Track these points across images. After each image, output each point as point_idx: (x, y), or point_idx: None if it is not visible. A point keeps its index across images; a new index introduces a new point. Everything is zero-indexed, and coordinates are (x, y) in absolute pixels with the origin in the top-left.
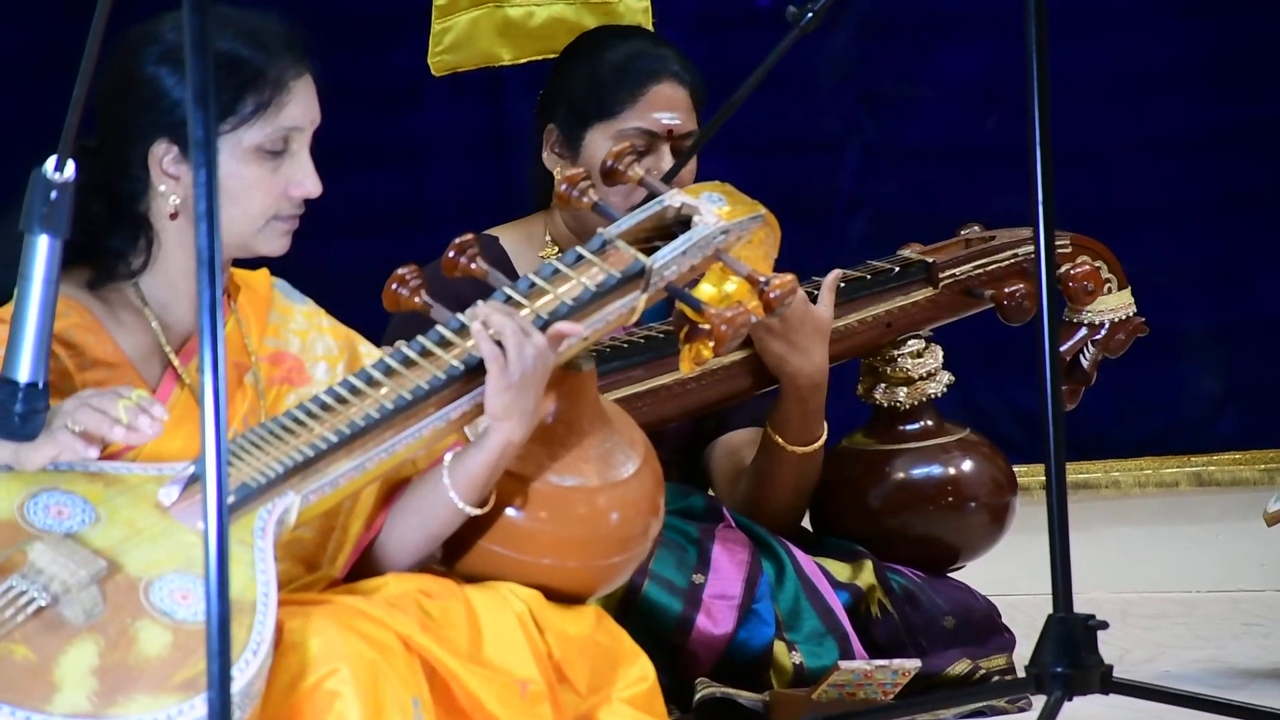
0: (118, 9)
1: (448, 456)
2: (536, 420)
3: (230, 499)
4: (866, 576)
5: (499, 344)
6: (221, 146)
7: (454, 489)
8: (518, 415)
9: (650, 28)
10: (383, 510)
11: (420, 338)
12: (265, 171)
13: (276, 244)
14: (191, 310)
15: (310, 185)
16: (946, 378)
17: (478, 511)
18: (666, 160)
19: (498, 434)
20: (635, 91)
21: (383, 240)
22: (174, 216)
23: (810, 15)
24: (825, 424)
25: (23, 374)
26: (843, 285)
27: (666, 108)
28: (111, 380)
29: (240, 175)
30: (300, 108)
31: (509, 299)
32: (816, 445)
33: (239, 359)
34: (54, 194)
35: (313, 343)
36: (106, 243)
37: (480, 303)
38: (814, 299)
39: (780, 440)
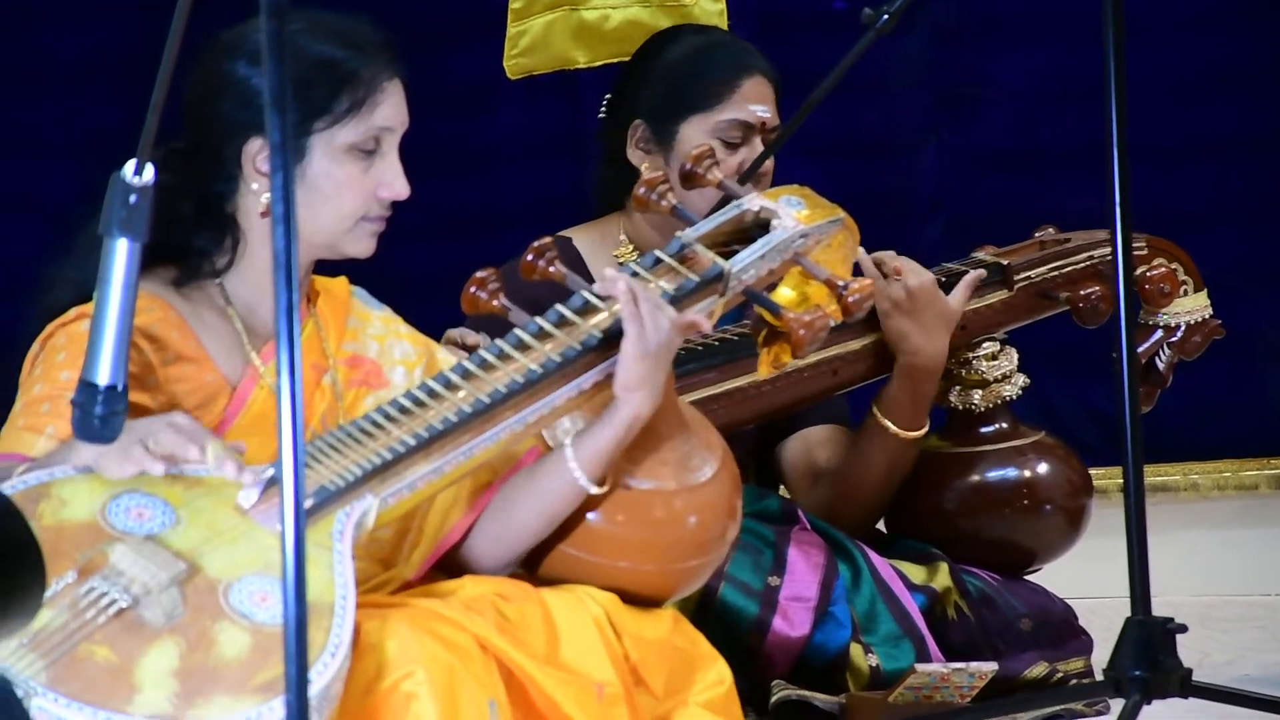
0: (199, 13)
1: (569, 437)
2: (660, 399)
3: (309, 502)
4: (942, 579)
5: (636, 307)
6: (315, 145)
7: (578, 465)
8: (647, 388)
9: (726, 28)
10: (467, 515)
11: (539, 319)
12: (357, 171)
13: (363, 245)
14: (269, 311)
15: (400, 187)
16: (1022, 380)
17: (598, 490)
18: (760, 153)
19: (626, 407)
20: (732, 83)
21: (458, 244)
22: (264, 214)
23: (886, 17)
24: (929, 419)
25: (102, 376)
26: None
27: (760, 100)
28: (194, 376)
29: (332, 174)
30: (392, 109)
31: (586, 303)
32: (918, 434)
33: (317, 361)
34: (133, 198)
35: (390, 347)
36: (193, 242)
37: (609, 270)
38: (945, 289)
39: (887, 423)
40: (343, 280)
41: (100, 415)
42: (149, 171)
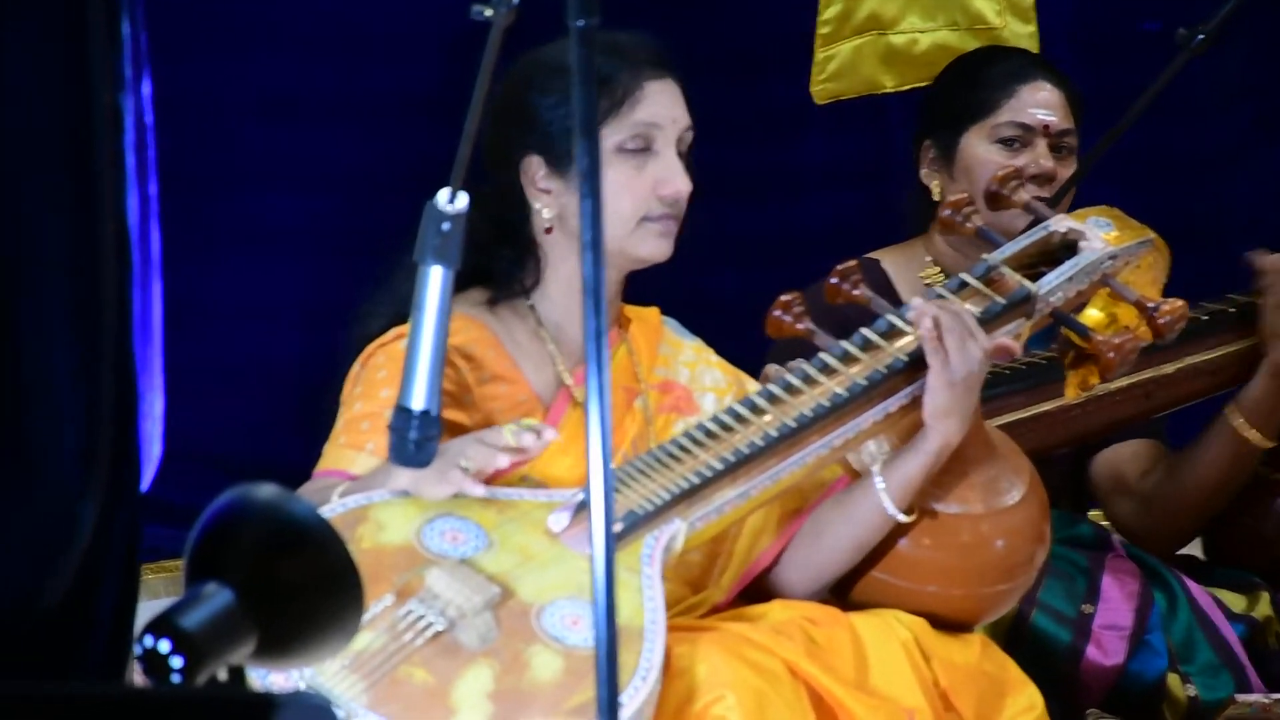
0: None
1: (876, 463)
2: (969, 425)
3: (618, 526)
4: (1263, 608)
5: (941, 342)
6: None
7: (888, 494)
8: (957, 415)
9: (1037, 51)
10: (777, 541)
11: (845, 343)
12: (630, 171)
13: (652, 246)
14: (581, 333)
15: (678, 182)
16: None
17: (907, 519)
18: (1045, 157)
19: (936, 435)
20: (1008, 89)
21: (763, 270)
22: (549, 231)
23: (1201, 37)
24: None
25: (417, 401)
26: (1231, 311)
27: (1041, 104)
28: (508, 395)
29: (605, 177)
30: (657, 106)
31: (891, 327)
32: (1267, 445)
33: (629, 385)
34: (446, 225)
35: (700, 374)
36: (498, 265)
37: (918, 299)
38: None
39: (1238, 422)
40: (654, 309)
41: (415, 440)
42: (462, 199)
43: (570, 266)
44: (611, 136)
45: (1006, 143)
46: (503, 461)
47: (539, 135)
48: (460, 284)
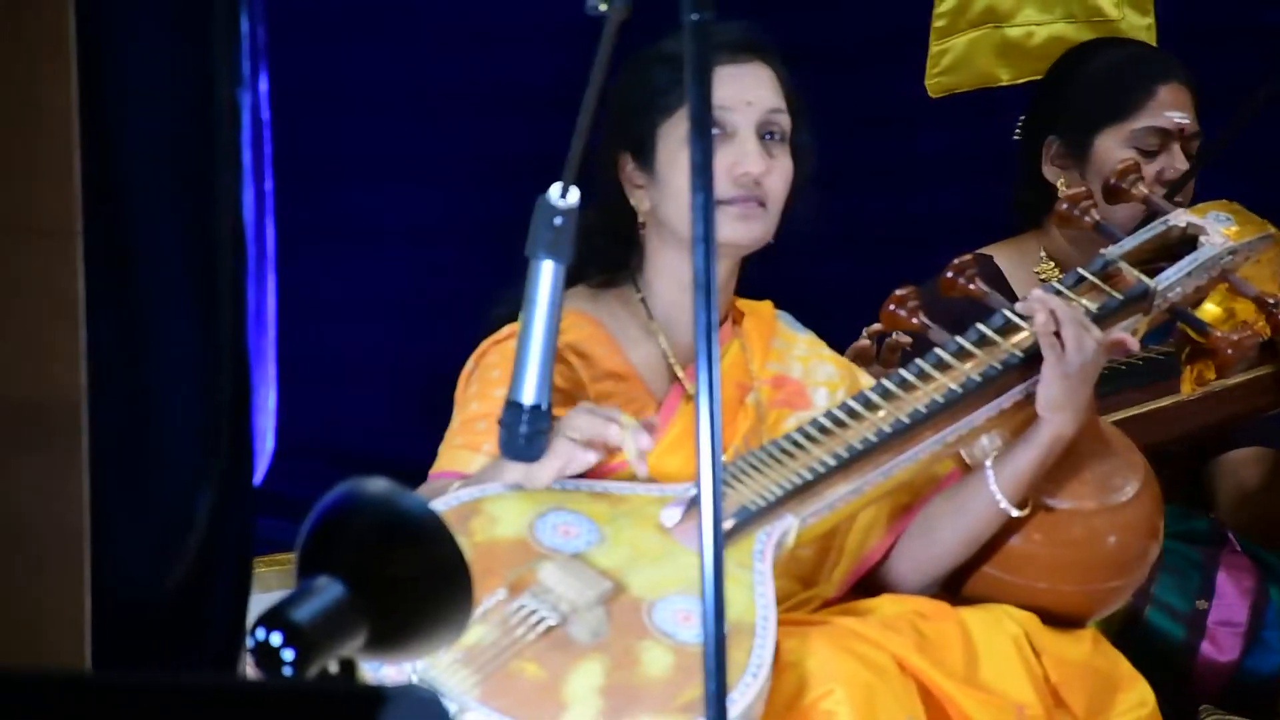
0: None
1: (989, 458)
2: (1083, 419)
3: (730, 522)
4: None
5: (1057, 334)
6: (661, 141)
7: (999, 487)
8: (1071, 408)
9: (1154, 43)
10: (887, 536)
11: (959, 338)
12: None
13: (734, 229)
14: (692, 326)
15: (748, 164)
16: None
17: (1019, 513)
18: (1180, 161)
19: (1049, 428)
20: (1147, 91)
21: (878, 263)
22: (643, 226)
23: None
24: None
25: (527, 396)
26: None
27: (1178, 107)
28: (621, 391)
29: (678, 164)
30: (727, 89)
31: (1007, 322)
32: None
33: (741, 380)
34: (558, 220)
35: (814, 369)
36: (605, 259)
37: (1037, 291)
38: None
39: None
40: (768, 303)
41: (525, 434)
42: (574, 194)
43: (665, 259)
44: (685, 123)
45: (1145, 147)
46: (613, 433)
47: (626, 128)
48: (573, 279)
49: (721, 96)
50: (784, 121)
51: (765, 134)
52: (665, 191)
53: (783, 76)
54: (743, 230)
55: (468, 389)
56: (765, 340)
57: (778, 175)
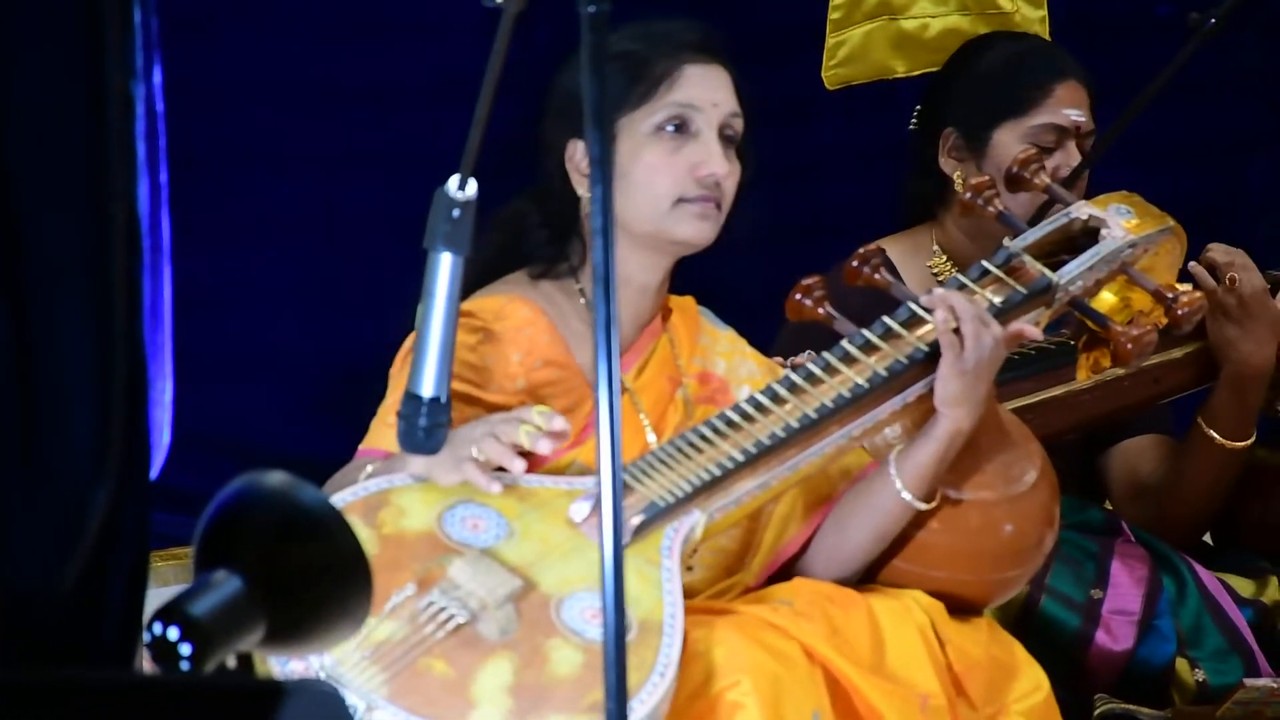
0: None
1: (892, 453)
2: (981, 412)
3: (638, 519)
4: (1272, 593)
5: (956, 331)
6: (620, 133)
7: (902, 482)
8: (968, 404)
9: (1047, 37)
10: (805, 528)
11: (865, 331)
12: (665, 153)
13: (691, 228)
14: (629, 321)
15: (713, 164)
16: None
17: (925, 506)
18: (1074, 158)
19: (947, 422)
20: (1045, 88)
21: (778, 255)
22: (586, 216)
23: (1213, 21)
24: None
25: (426, 389)
26: None
27: (1074, 104)
28: (560, 380)
29: (641, 159)
30: (696, 89)
31: (912, 315)
32: (1245, 444)
33: (673, 374)
34: (456, 212)
35: (736, 366)
36: (546, 251)
37: (938, 289)
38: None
39: (1212, 433)
40: (690, 299)
41: (424, 427)
42: (472, 186)
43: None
44: (649, 118)
45: (1042, 144)
46: (518, 466)
47: (579, 119)
48: (514, 269)
49: (690, 95)
50: (739, 125)
51: (723, 136)
52: (622, 184)
53: (737, 80)
54: (700, 229)
55: (402, 369)
56: (693, 335)
57: (733, 178)
